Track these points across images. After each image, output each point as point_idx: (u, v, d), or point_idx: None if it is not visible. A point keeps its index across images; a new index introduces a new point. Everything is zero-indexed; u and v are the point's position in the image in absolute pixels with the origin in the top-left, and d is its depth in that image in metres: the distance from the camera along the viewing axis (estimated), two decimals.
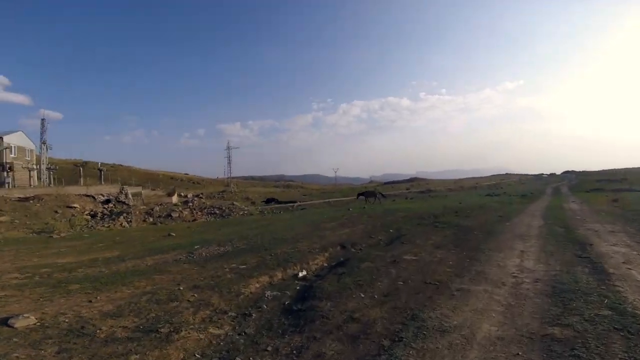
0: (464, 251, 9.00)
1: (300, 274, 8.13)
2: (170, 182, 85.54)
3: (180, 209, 35.53)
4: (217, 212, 35.42)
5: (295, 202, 43.22)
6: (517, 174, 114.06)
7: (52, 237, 21.80)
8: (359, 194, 36.45)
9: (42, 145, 42.47)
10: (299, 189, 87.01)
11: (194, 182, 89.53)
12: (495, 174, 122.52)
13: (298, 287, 6.99)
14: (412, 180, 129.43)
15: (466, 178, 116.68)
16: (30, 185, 39.36)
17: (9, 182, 38.34)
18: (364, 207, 24.90)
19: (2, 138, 39.56)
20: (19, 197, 33.82)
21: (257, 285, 7.09)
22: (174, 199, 48.94)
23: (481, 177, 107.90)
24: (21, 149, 42.18)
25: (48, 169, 42.27)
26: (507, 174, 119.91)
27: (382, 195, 34.18)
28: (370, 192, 34.38)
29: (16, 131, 42.11)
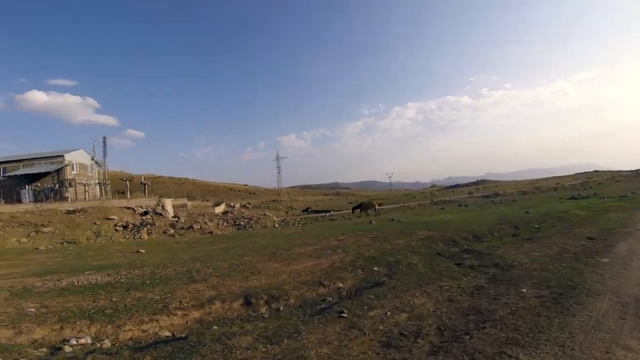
0: None
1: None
2: (228, 193, 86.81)
3: (207, 220, 32.94)
4: (242, 223, 32.03)
5: (328, 211, 38.16)
6: (607, 171, 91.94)
7: (38, 249, 20.42)
8: (354, 208, 30.34)
9: (94, 162, 44.07)
10: (349, 196, 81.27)
11: (250, 193, 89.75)
12: (580, 172, 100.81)
13: None
14: (479, 183, 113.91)
15: (545, 178, 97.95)
16: (85, 199, 40.67)
17: (67, 196, 40.02)
18: (372, 222, 18.77)
19: (63, 156, 41.75)
20: (67, 210, 34.47)
21: None
22: (219, 209, 47.43)
23: (563, 177, 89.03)
24: (82, 166, 44.24)
25: (98, 183, 43.65)
26: (595, 171, 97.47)
27: (375, 207, 28.05)
28: (367, 204, 28.97)
29: (77, 149, 44.35)
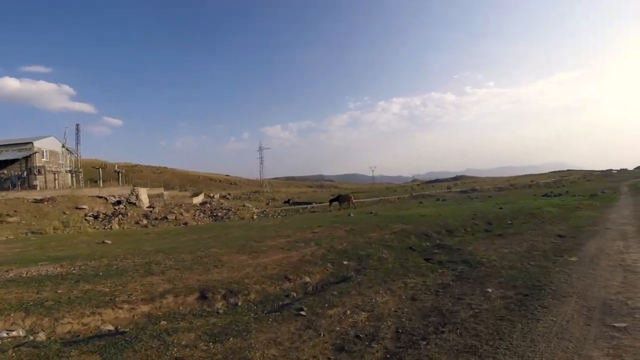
0: None
1: None
2: (209, 183, 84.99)
3: (182, 210, 31.96)
4: (219, 214, 31.25)
5: (310, 203, 37.82)
6: (580, 170, 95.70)
7: None
8: (331, 200, 30.52)
9: (65, 150, 41.96)
10: (332, 189, 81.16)
11: (231, 183, 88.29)
12: (555, 170, 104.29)
13: None
14: (457, 178, 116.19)
15: (521, 175, 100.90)
16: (55, 187, 38.68)
17: (36, 184, 37.98)
18: (350, 215, 18.58)
19: (32, 143, 39.48)
20: (35, 199, 32.67)
21: None
22: (197, 199, 46.25)
23: (539, 175, 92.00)
24: (53, 153, 42.03)
25: (69, 171, 41.64)
26: (569, 170, 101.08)
27: (351, 200, 28.57)
28: (344, 197, 29.19)
29: (48, 136, 42.06)
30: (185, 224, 26.70)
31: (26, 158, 38.67)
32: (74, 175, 42.11)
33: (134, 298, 5.79)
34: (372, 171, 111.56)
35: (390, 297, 4.92)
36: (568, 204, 18.40)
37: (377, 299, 4.92)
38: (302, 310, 4.85)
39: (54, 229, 25.53)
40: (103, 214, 30.47)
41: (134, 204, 35.06)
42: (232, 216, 29.74)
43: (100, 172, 41.86)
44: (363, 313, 4.49)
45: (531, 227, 10.34)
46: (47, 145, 41.40)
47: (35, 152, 39.03)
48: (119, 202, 34.76)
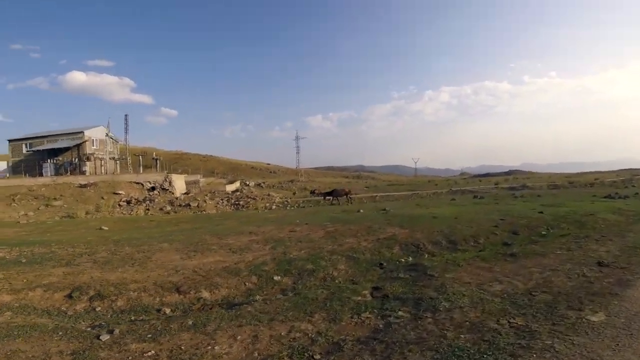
0: None
1: None
2: (250, 171, 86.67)
3: (206, 198, 31.96)
4: (241, 203, 30.70)
5: (332, 194, 35.88)
6: None
7: (18, 222, 20.58)
8: (325, 194, 27.32)
9: (108, 138, 44.46)
10: (369, 180, 77.97)
11: (271, 172, 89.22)
12: (626, 168, 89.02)
13: None
14: (510, 173, 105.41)
15: (585, 172, 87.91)
16: (102, 173, 41.26)
17: (86, 170, 40.80)
18: (360, 211, 16.14)
19: (83, 132, 42.42)
20: (80, 184, 34.94)
21: None
22: (230, 187, 46.75)
23: (606, 172, 79.12)
24: (102, 141, 44.91)
25: (112, 158, 44.13)
26: None
27: (348, 195, 26.27)
28: (340, 191, 26.46)
29: (98, 126, 44.96)
30: (204, 211, 26.42)
31: (78, 146, 41.66)
32: (117, 162, 44.63)
33: (6, 287, 5.63)
34: (415, 163, 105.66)
35: (239, 349, 3.09)
36: (633, 209, 14.27)
37: (218, 348, 3.15)
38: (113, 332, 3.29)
39: (86, 213, 26.73)
40: (135, 199, 31.53)
41: (167, 189, 36.00)
42: (251, 205, 29.00)
43: (141, 159, 43.85)
44: None
45: (566, 245, 7.38)
46: (96, 134, 44.31)
47: (85, 141, 41.92)
48: (153, 189, 35.92)
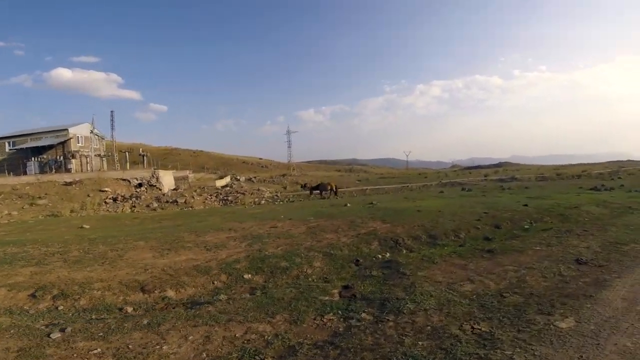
0: None
1: None
2: (241, 166, 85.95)
3: (194, 194, 31.50)
4: (230, 198, 30.34)
5: (320, 188, 35.81)
6: None
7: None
8: (312, 188, 28.25)
9: (93, 135, 43.45)
10: (361, 173, 77.96)
11: (262, 166, 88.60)
12: (613, 160, 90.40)
13: None
14: (499, 165, 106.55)
15: (573, 164, 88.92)
16: (87, 170, 40.37)
17: (71, 168, 39.88)
18: (347, 205, 16.01)
19: (67, 129, 41.36)
20: (65, 182, 34.14)
21: None
22: (220, 182, 46.20)
23: (593, 164, 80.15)
24: (87, 138, 43.87)
25: (98, 155, 43.20)
26: (628, 160, 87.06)
27: (333, 189, 26.85)
28: (325, 186, 27.53)
29: (83, 123, 43.87)
30: (191, 207, 26.02)
31: (62, 143, 40.64)
32: (103, 159, 43.73)
33: None
34: (407, 156, 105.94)
35: (188, 350, 2.98)
36: (618, 201, 14.36)
37: (167, 347, 3.06)
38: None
39: (70, 211, 26.10)
40: (121, 196, 30.92)
41: (154, 186, 35.39)
42: (239, 201, 28.67)
43: (127, 155, 43.00)
44: None
45: (546, 240, 7.26)
46: (81, 131, 43.25)
47: (69, 138, 40.90)
48: (140, 185, 35.29)
